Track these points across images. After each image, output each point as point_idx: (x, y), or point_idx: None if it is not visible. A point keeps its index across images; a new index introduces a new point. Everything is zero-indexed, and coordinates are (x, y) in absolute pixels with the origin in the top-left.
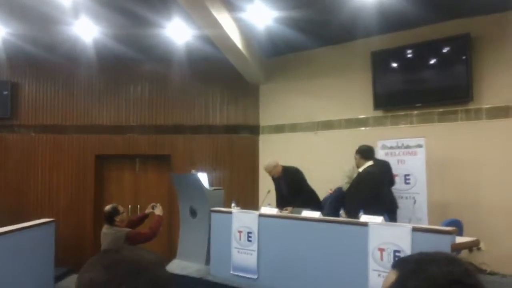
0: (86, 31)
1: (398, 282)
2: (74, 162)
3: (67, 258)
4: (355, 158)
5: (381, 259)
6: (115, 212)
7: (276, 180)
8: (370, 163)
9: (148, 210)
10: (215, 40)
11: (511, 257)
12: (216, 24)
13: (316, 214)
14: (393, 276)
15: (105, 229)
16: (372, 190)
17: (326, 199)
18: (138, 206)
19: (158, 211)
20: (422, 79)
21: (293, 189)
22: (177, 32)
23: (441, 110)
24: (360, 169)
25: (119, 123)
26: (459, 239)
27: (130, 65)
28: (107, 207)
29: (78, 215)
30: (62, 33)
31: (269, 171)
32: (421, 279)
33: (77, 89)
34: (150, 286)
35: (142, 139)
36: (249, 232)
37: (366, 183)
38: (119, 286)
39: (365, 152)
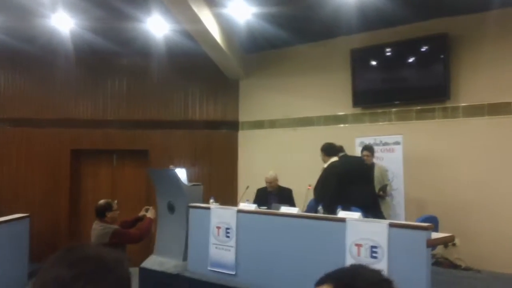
0: (63, 23)
1: None
2: (49, 157)
3: (42, 253)
4: (321, 155)
5: (358, 254)
6: (108, 207)
7: (265, 192)
8: (334, 159)
9: (141, 213)
10: (195, 35)
11: (485, 253)
12: (196, 19)
13: (295, 210)
14: None
15: (95, 224)
16: (334, 184)
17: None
18: (116, 202)
19: (150, 214)
20: (401, 77)
21: None
22: (157, 26)
23: (419, 108)
24: (325, 165)
25: (96, 117)
26: (435, 235)
27: (108, 59)
28: (101, 201)
29: (53, 210)
30: (39, 25)
31: (271, 180)
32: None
33: (54, 82)
34: (115, 284)
35: (119, 134)
36: (227, 228)
37: (326, 177)
38: (84, 284)
39: (328, 150)
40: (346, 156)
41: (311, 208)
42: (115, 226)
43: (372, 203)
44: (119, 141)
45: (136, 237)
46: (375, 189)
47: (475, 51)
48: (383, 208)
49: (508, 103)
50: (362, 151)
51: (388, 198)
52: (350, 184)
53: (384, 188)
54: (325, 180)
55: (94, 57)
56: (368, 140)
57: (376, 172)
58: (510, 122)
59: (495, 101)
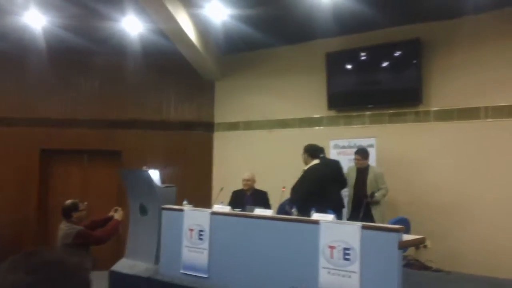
0: (35, 20)
1: None
2: (18, 156)
3: (9, 256)
4: (302, 155)
5: (331, 256)
6: (73, 208)
7: (240, 194)
8: (316, 161)
9: (111, 213)
10: (170, 35)
11: (455, 255)
12: (171, 19)
13: (269, 212)
14: None
15: (61, 224)
16: (315, 186)
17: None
18: (86, 203)
19: (118, 215)
20: (375, 81)
21: None
22: (132, 25)
23: (392, 111)
24: (306, 167)
25: (68, 116)
26: (406, 237)
27: (82, 57)
28: (67, 202)
29: (21, 211)
30: (10, 22)
31: (249, 178)
32: None
33: (25, 80)
34: None
35: (92, 133)
36: (200, 230)
37: (308, 179)
38: None
39: (313, 151)
40: (325, 158)
41: (283, 209)
42: (80, 227)
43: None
44: (91, 141)
45: (101, 238)
46: (366, 192)
47: (446, 57)
48: (375, 211)
49: (477, 108)
50: (354, 154)
51: (379, 205)
52: (328, 187)
53: (371, 194)
54: (306, 182)
55: (67, 55)
56: (342, 143)
57: (370, 176)
58: (479, 127)
59: (465, 106)
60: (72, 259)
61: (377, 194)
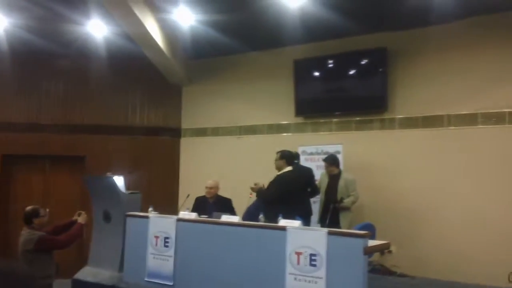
0: None
1: None
2: None
3: None
4: (277, 160)
5: (298, 263)
6: (34, 214)
7: (203, 201)
8: (289, 168)
9: (74, 217)
10: (137, 39)
11: (420, 260)
12: (138, 23)
13: (235, 219)
14: None
15: (23, 230)
16: (285, 191)
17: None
18: (47, 210)
19: (81, 219)
20: (342, 88)
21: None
22: (97, 29)
23: (358, 118)
24: (279, 172)
25: (31, 121)
26: (372, 243)
27: (45, 60)
28: (28, 208)
29: None
30: None
31: (212, 186)
32: None
33: None
34: None
35: (55, 138)
36: (166, 237)
37: (280, 183)
38: None
39: (290, 158)
40: (298, 165)
41: (251, 213)
42: (41, 233)
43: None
44: (54, 146)
45: (63, 243)
46: (336, 198)
47: (412, 66)
48: (342, 217)
49: (440, 116)
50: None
51: (347, 210)
52: (298, 194)
53: (340, 200)
54: (277, 186)
55: (30, 58)
56: (310, 149)
57: (341, 182)
58: (442, 134)
59: (429, 114)
60: (22, 269)
61: (345, 200)
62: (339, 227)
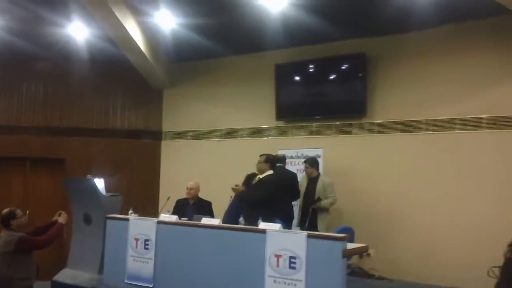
0: None
1: None
2: None
3: None
4: (260, 163)
5: (277, 265)
6: (10, 216)
7: (184, 204)
8: (270, 172)
9: (55, 218)
10: (119, 42)
11: (398, 263)
12: (119, 26)
13: (216, 221)
14: None
15: (2, 233)
16: (268, 194)
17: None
18: (28, 212)
19: (61, 218)
20: (322, 93)
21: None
22: (78, 31)
23: (338, 123)
24: (262, 175)
25: (10, 123)
26: (350, 246)
27: (26, 62)
28: (4, 211)
29: None
30: None
31: (192, 187)
32: None
33: None
34: None
35: (34, 141)
36: (146, 240)
37: (263, 187)
38: None
39: (274, 162)
40: (284, 169)
41: (231, 217)
42: (21, 234)
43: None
44: (34, 149)
45: (43, 243)
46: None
47: (391, 71)
48: (319, 220)
49: (418, 121)
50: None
51: (325, 212)
52: (281, 197)
53: (317, 199)
54: (262, 188)
55: (10, 59)
56: (290, 153)
57: (318, 185)
58: (420, 139)
59: (408, 118)
60: (1, 271)
61: (323, 202)
62: (317, 230)
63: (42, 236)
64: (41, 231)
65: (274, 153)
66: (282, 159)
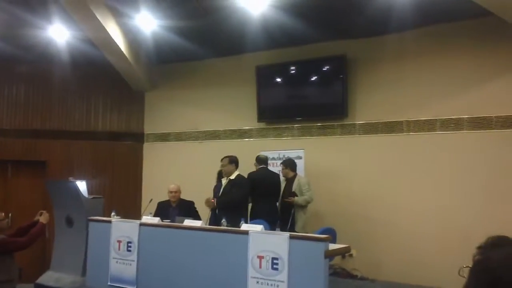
0: None
1: None
2: None
3: None
4: (225, 166)
5: (260, 266)
6: None
7: (166, 206)
8: (237, 172)
9: (36, 217)
10: (99, 44)
11: (380, 263)
12: (100, 28)
13: (198, 223)
14: None
15: None
16: (243, 196)
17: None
18: (10, 214)
19: (42, 218)
20: (303, 94)
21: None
22: (59, 33)
23: (319, 124)
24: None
25: None
26: (332, 246)
27: (6, 64)
28: None
29: None
30: None
31: (175, 190)
32: None
33: None
34: None
35: (15, 143)
36: (129, 242)
37: (236, 190)
38: None
39: (237, 161)
40: (266, 169)
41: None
42: (1, 236)
43: (280, 216)
44: (14, 151)
45: (24, 244)
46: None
47: (371, 73)
48: (297, 218)
49: (400, 122)
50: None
51: (301, 211)
52: (264, 197)
53: (291, 194)
54: (236, 192)
55: None
56: (272, 155)
57: (295, 184)
58: (401, 140)
59: (389, 119)
60: None
61: (297, 198)
62: (293, 229)
63: (23, 238)
64: (23, 231)
65: (255, 155)
66: (265, 160)
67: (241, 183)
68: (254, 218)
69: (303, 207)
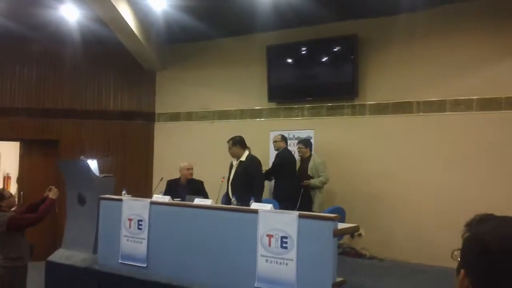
0: None
1: None
2: None
3: None
4: (231, 148)
5: (269, 245)
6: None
7: (175, 184)
8: (247, 152)
9: (46, 193)
10: (110, 23)
11: (387, 243)
12: (111, 7)
13: (208, 202)
14: None
15: None
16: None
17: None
18: (22, 192)
19: (52, 194)
20: (314, 74)
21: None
22: (70, 13)
23: (329, 104)
24: (242, 159)
25: (3, 104)
26: (341, 225)
27: (18, 44)
28: None
29: None
30: None
31: (190, 167)
32: None
33: None
34: None
35: (28, 122)
36: (139, 220)
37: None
38: None
39: (243, 142)
40: (286, 150)
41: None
42: (10, 213)
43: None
44: (27, 130)
45: (34, 219)
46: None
47: (382, 53)
48: (314, 199)
49: (410, 102)
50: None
51: (317, 191)
52: (286, 178)
53: (308, 177)
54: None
55: (2, 41)
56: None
57: (310, 165)
58: (411, 120)
59: (399, 100)
60: None
61: (312, 180)
62: (311, 209)
63: (33, 214)
64: (34, 208)
65: (266, 135)
66: (285, 140)
67: (255, 166)
68: (279, 198)
69: (319, 187)
